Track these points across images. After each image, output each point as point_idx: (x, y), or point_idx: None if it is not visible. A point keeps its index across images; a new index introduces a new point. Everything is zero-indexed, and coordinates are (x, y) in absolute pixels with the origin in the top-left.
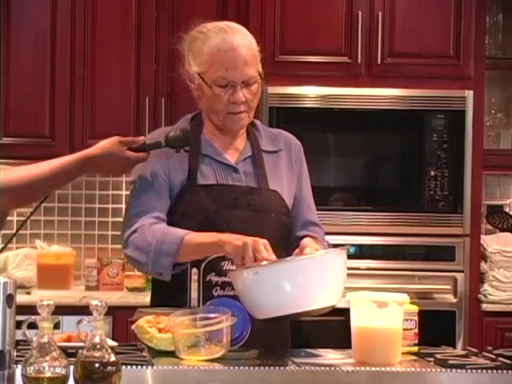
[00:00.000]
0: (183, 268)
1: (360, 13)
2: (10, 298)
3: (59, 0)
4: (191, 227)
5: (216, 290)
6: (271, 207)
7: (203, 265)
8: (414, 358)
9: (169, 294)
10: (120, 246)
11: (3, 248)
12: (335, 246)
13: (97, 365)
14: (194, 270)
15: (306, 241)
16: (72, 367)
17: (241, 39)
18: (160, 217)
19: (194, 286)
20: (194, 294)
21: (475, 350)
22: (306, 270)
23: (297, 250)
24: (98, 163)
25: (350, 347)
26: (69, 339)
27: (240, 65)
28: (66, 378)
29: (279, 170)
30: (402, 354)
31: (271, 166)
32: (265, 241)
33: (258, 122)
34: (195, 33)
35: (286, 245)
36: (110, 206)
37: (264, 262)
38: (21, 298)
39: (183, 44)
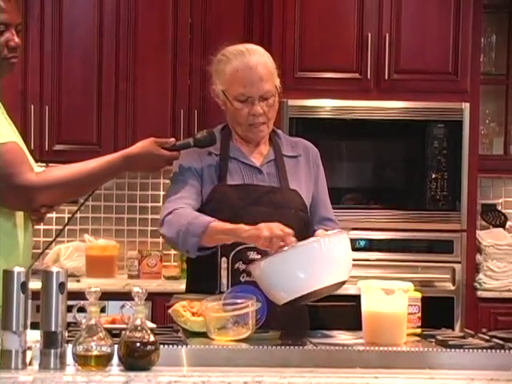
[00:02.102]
0: (208, 252)
1: (369, 34)
2: (62, 286)
3: (105, 25)
4: (221, 221)
5: (243, 277)
6: (291, 204)
7: (232, 254)
8: (418, 339)
9: (202, 280)
10: (158, 240)
11: (53, 241)
12: None
13: (138, 344)
14: (224, 259)
15: (318, 232)
16: (116, 346)
17: (257, 59)
18: (191, 204)
19: (224, 273)
20: (223, 281)
21: (471, 332)
22: (313, 252)
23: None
24: (137, 160)
25: (360, 329)
26: (113, 322)
27: (256, 82)
28: (110, 355)
29: (298, 173)
30: (407, 335)
31: (291, 168)
32: (277, 224)
33: (279, 131)
34: (219, 56)
35: (305, 237)
36: (150, 204)
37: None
38: (71, 286)
39: (211, 65)
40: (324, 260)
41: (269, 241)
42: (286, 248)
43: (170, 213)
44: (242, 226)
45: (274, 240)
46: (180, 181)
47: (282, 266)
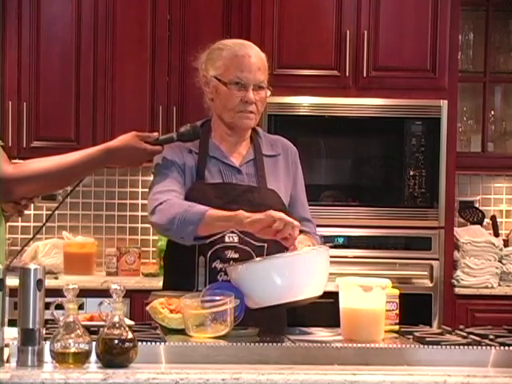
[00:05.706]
0: (204, 242)
1: (348, 32)
2: (39, 283)
3: (83, 21)
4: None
5: (220, 276)
6: (269, 203)
7: (209, 253)
8: (396, 335)
9: (179, 278)
10: (137, 237)
11: (32, 238)
12: (325, 237)
13: (116, 341)
14: (201, 257)
15: (299, 238)
16: (94, 343)
17: (256, 52)
18: (180, 197)
19: (201, 271)
20: (201, 279)
21: (449, 329)
22: (294, 265)
23: (291, 247)
24: (118, 154)
25: (338, 326)
26: (91, 319)
27: (253, 69)
28: (88, 353)
29: (277, 172)
30: (385, 332)
31: (270, 168)
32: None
33: (260, 129)
34: (215, 45)
35: None
36: (128, 201)
37: (257, 259)
38: (49, 283)
39: (200, 57)
40: (303, 274)
41: (283, 224)
42: (259, 258)
43: (161, 203)
44: (241, 211)
45: (286, 226)
46: (165, 173)
47: (261, 275)
